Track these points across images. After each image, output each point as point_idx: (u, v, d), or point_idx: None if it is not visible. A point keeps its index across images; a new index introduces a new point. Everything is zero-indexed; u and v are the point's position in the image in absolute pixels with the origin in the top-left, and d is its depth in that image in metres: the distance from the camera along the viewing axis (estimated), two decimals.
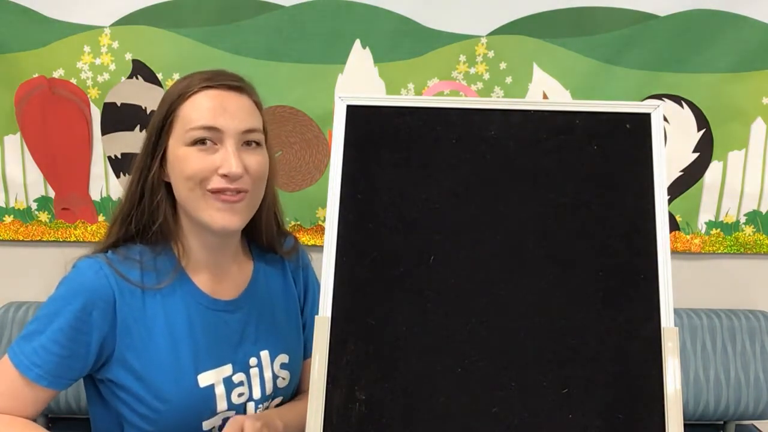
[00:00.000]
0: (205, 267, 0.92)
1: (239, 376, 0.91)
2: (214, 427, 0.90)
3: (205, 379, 0.88)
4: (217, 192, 0.84)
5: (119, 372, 0.86)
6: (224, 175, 0.83)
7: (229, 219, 0.85)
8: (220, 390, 0.89)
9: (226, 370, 0.90)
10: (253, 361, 0.93)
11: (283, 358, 0.97)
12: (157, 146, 0.87)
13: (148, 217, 0.89)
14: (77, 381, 0.87)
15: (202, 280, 0.92)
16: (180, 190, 0.86)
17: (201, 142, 0.84)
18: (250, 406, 0.93)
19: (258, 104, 0.90)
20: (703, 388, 1.45)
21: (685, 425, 0.69)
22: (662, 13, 1.41)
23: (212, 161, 0.84)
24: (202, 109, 0.84)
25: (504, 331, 0.72)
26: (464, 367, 0.71)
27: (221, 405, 0.89)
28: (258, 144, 0.88)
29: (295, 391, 1.02)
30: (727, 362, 1.46)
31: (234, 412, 0.91)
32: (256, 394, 0.93)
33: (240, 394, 0.91)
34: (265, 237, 0.98)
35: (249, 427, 0.85)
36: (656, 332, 0.71)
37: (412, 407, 0.70)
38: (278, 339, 0.97)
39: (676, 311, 1.39)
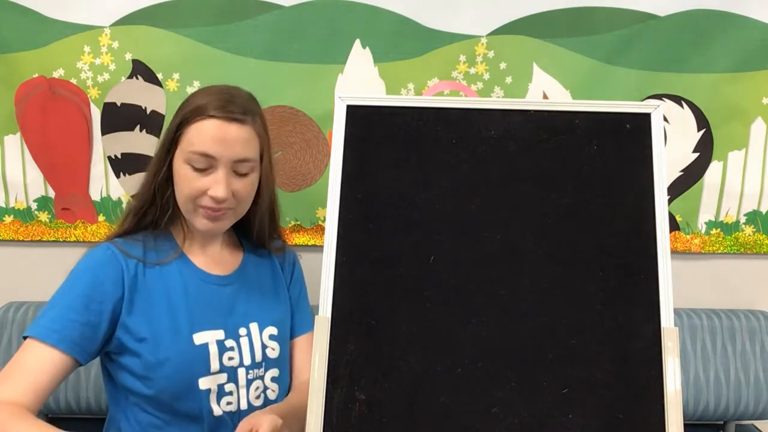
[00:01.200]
0: (200, 249, 1.05)
1: (230, 342, 1.00)
2: (210, 389, 0.97)
3: (199, 338, 0.97)
4: (204, 208, 0.97)
5: (122, 336, 0.95)
6: (212, 197, 0.96)
7: (213, 226, 0.99)
8: (213, 349, 0.98)
9: (219, 334, 1.00)
10: (242, 330, 1.03)
11: (271, 330, 1.06)
12: (167, 155, 0.99)
13: (160, 212, 1.02)
14: (93, 357, 0.94)
15: (198, 259, 1.04)
16: (178, 198, 1.00)
17: (198, 164, 0.95)
18: (241, 371, 1.00)
19: (260, 135, 1.00)
20: (703, 388, 1.45)
21: (685, 425, 0.69)
22: (662, 13, 1.41)
23: (204, 184, 0.96)
24: (204, 137, 0.94)
25: (504, 331, 0.72)
26: (464, 367, 0.71)
27: (214, 364, 0.97)
28: (249, 171, 0.99)
29: (288, 379, 1.09)
30: (727, 362, 1.46)
31: (226, 375, 0.98)
32: (246, 360, 1.01)
33: (230, 358, 0.99)
34: (256, 233, 1.10)
35: (269, 422, 0.86)
36: (656, 332, 0.71)
37: (412, 407, 0.70)
38: (267, 313, 1.07)
39: (676, 311, 1.39)
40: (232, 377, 0.99)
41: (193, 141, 0.95)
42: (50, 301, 0.94)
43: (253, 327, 1.04)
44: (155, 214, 1.02)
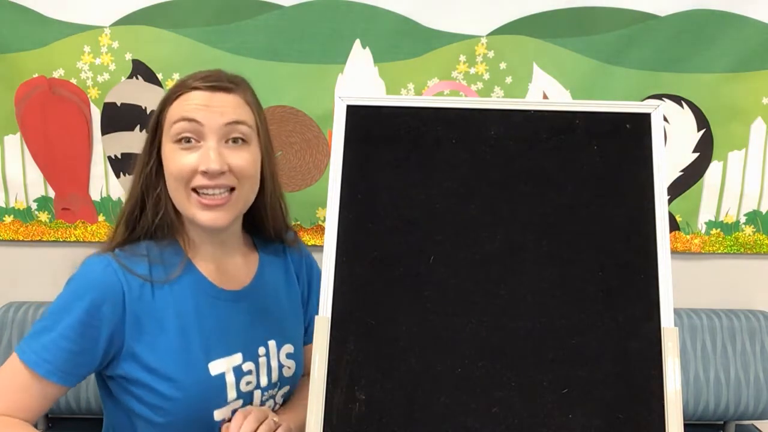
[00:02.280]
0: (211, 258, 0.94)
1: (248, 365, 0.92)
2: (224, 419, 0.90)
3: (216, 367, 0.89)
4: (200, 191, 0.86)
5: (129, 366, 0.86)
6: (204, 172, 0.84)
7: (215, 217, 0.87)
8: (230, 378, 0.89)
9: (236, 358, 0.91)
10: (261, 350, 0.94)
11: (288, 348, 0.98)
12: (152, 144, 0.89)
13: (152, 213, 0.90)
14: (85, 378, 0.87)
15: (208, 271, 0.93)
16: (169, 188, 0.88)
17: (186, 140, 0.85)
18: (257, 393, 0.93)
19: (250, 102, 0.90)
20: (703, 388, 1.45)
21: (685, 425, 0.69)
22: (662, 13, 1.41)
23: (193, 159, 0.85)
24: (187, 105, 0.85)
25: (504, 331, 0.72)
26: (464, 367, 0.71)
27: (231, 394, 0.90)
28: (245, 140, 0.88)
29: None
30: (727, 362, 1.46)
31: (242, 401, 0.91)
32: (263, 382, 0.94)
33: (248, 383, 0.92)
34: (272, 228, 0.99)
35: (254, 414, 0.85)
36: (656, 332, 0.71)
37: (412, 407, 0.70)
38: (283, 329, 0.99)
39: (676, 311, 1.39)
40: (247, 401, 0.92)
41: (174, 114, 0.86)
42: (45, 320, 0.85)
43: (272, 345, 0.96)
44: (148, 219, 0.90)
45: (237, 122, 0.86)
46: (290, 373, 0.98)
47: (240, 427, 0.84)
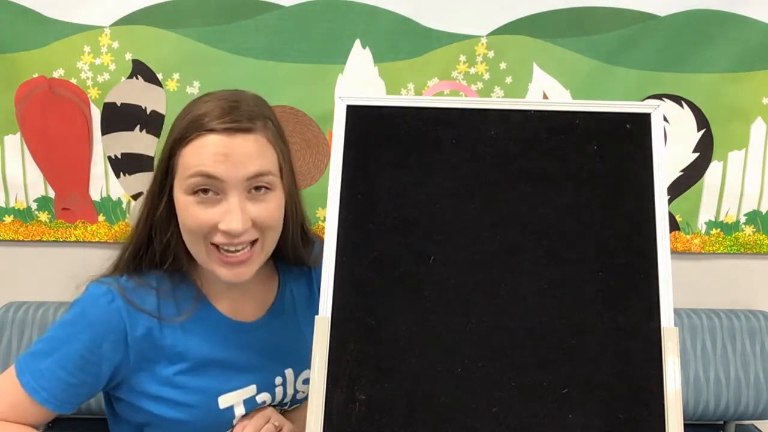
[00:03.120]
0: (227, 293, 0.89)
1: (263, 396, 0.90)
2: None
3: (225, 400, 0.86)
4: (221, 248, 0.80)
5: (134, 396, 0.85)
6: (225, 232, 0.78)
7: (238, 273, 0.81)
8: (239, 411, 0.87)
9: (250, 390, 0.88)
10: (278, 380, 0.91)
11: (305, 374, 0.93)
12: (164, 186, 0.82)
13: (160, 257, 0.85)
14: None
15: (224, 305, 0.89)
16: (186, 239, 0.83)
17: (202, 191, 0.78)
18: None
19: (272, 141, 0.82)
20: (703, 388, 1.45)
21: (685, 425, 0.69)
22: (662, 13, 1.41)
23: (213, 216, 0.78)
24: (201, 155, 0.77)
25: (504, 331, 0.72)
26: (464, 367, 0.71)
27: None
28: (268, 188, 0.81)
29: None
30: (727, 362, 1.46)
31: None
32: (274, 403, 0.92)
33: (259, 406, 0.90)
34: (292, 256, 0.93)
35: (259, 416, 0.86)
36: (656, 332, 0.71)
37: (412, 407, 0.70)
38: (302, 356, 0.90)
39: (676, 311, 1.39)
40: None
41: (190, 163, 0.78)
42: (46, 342, 0.82)
43: (289, 374, 0.92)
44: (156, 259, 0.85)
45: (260, 174, 0.79)
46: (303, 396, 0.95)
47: None
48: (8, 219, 1.47)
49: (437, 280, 0.74)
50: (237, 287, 0.89)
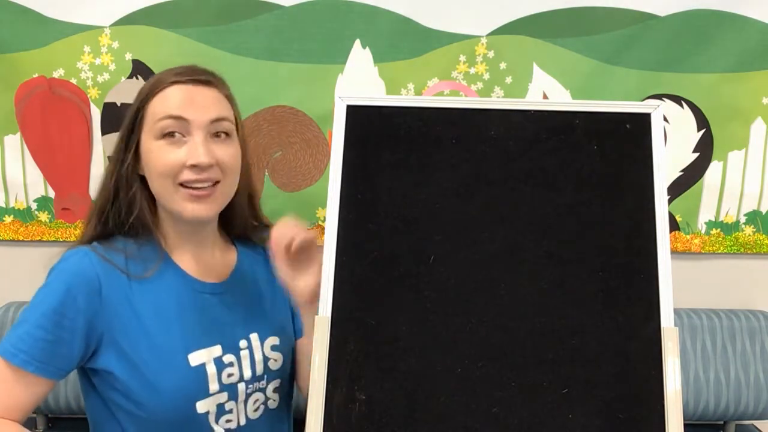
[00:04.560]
0: (189, 253, 0.94)
1: (229, 357, 0.92)
2: (209, 412, 0.89)
3: (195, 358, 0.89)
4: (188, 185, 0.86)
5: (111, 358, 0.87)
6: (193, 166, 0.85)
7: (200, 209, 0.88)
8: (211, 369, 0.89)
9: (216, 350, 0.91)
10: (243, 343, 0.94)
11: (273, 340, 0.97)
12: (129, 140, 0.89)
13: (126, 212, 0.90)
14: (69, 372, 0.87)
15: (188, 266, 0.94)
16: (153, 184, 0.89)
17: (170, 135, 0.86)
18: (241, 386, 0.93)
19: (229, 97, 0.92)
20: (703, 388, 1.45)
21: (685, 425, 0.69)
22: (662, 13, 1.41)
23: (180, 155, 0.85)
24: (169, 101, 0.86)
25: (504, 331, 0.72)
26: (464, 367, 0.71)
27: (213, 386, 0.89)
28: (228, 135, 0.90)
29: (291, 377, 1.02)
30: (727, 362, 1.46)
31: (226, 393, 0.91)
32: (247, 375, 0.93)
33: (230, 375, 0.91)
34: (236, 227, 1.00)
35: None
36: (656, 332, 0.71)
37: (412, 407, 0.70)
38: (267, 322, 0.98)
39: (676, 311, 1.39)
40: (233, 395, 0.91)
41: (158, 110, 0.86)
42: (23, 312, 0.86)
43: (254, 338, 0.95)
44: (121, 217, 0.90)
45: (221, 118, 0.88)
46: (277, 366, 0.97)
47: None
48: (8, 219, 1.47)
49: (437, 280, 0.74)
50: (198, 247, 0.94)
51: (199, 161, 0.85)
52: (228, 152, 0.89)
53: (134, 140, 0.89)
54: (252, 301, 0.99)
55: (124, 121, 0.91)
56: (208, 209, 0.89)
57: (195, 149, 0.85)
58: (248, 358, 0.94)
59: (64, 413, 1.41)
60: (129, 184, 0.90)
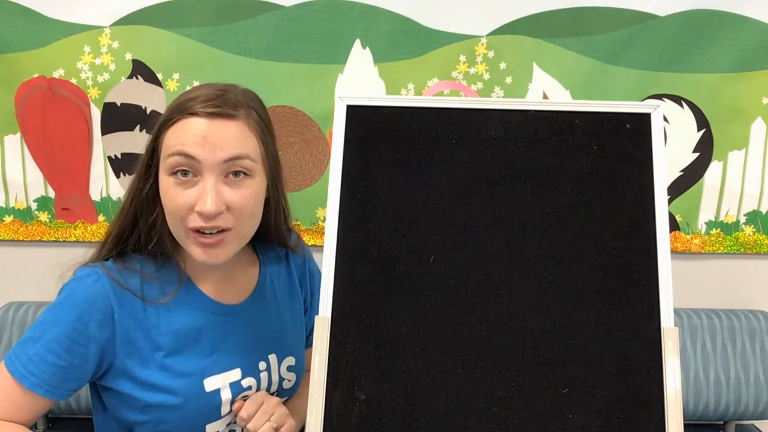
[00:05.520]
0: (210, 275, 0.91)
1: (248, 381, 0.90)
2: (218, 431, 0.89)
3: (211, 383, 0.87)
4: (195, 231, 0.82)
5: (122, 382, 0.85)
6: (200, 213, 0.80)
7: (211, 255, 0.83)
8: (226, 394, 0.88)
9: (234, 374, 0.89)
10: (262, 365, 0.92)
11: (289, 360, 0.96)
12: (150, 167, 0.85)
13: (145, 239, 0.86)
14: (76, 392, 0.86)
15: (207, 287, 0.91)
16: (168, 221, 0.84)
17: (182, 173, 0.80)
18: None
19: (254, 128, 0.84)
20: (703, 388, 1.45)
21: (685, 425, 0.69)
22: (662, 13, 1.41)
23: (189, 197, 0.80)
24: (182, 135, 0.80)
25: (504, 331, 0.72)
26: (464, 367, 0.71)
27: (225, 409, 0.88)
28: (247, 173, 0.82)
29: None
30: (727, 362, 1.46)
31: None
32: None
33: (245, 398, 0.90)
34: (275, 237, 0.96)
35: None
36: (656, 332, 0.71)
37: (412, 407, 0.70)
38: (285, 342, 0.96)
39: (676, 311, 1.39)
40: None
41: (171, 143, 0.80)
42: (34, 329, 0.82)
43: (272, 359, 0.93)
44: (141, 241, 0.86)
45: (237, 157, 0.80)
46: (290, 386, 0.96)
47: (250, 415, 0.86)
48: (8, 219, 1.47)
49: (437, 281, 0.74)
50: (220, 270, 0.91)
51: (204, 210, 0.79)
52: (243, 195, 0.81)
53: (154, 167, 0.84)
54: (271, 320, 0.96)
55: (147, 141, 0.85)
56: (219, 255, 0.83)
57: (203, 196, 0.79)
58: (266, 381, 0.92)
59: (64, 413, 1.41)
60: (149, 211, 0.85)
